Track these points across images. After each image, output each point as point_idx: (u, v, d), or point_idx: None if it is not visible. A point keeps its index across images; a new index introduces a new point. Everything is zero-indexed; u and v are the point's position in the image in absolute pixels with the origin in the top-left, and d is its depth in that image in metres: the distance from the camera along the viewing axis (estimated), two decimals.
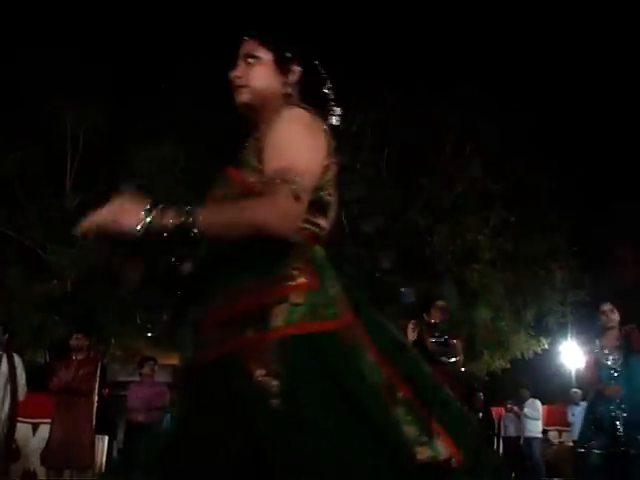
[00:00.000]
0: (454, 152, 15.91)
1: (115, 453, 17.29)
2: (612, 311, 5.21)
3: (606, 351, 5.09)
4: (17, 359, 7.07)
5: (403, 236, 15.55)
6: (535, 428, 11.67)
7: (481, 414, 12.52)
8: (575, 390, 12.71)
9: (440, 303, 5.66)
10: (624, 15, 18.48)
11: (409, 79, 15.32)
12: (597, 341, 5.26)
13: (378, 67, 15.59)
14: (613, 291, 16.69)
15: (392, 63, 15.86)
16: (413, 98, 15.02)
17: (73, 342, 7.11)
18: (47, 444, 7.08)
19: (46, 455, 6.99)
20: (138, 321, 14.17)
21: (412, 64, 15.83)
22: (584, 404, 11.86)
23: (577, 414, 11.90)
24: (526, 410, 11.64)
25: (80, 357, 7.04)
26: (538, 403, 11.85)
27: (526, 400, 11.76)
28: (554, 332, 16.93)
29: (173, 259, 1.71)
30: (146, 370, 8.29)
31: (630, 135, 18.40)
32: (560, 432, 13.36)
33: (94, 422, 12.97)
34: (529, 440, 11.62)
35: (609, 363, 5.01)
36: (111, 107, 14.10)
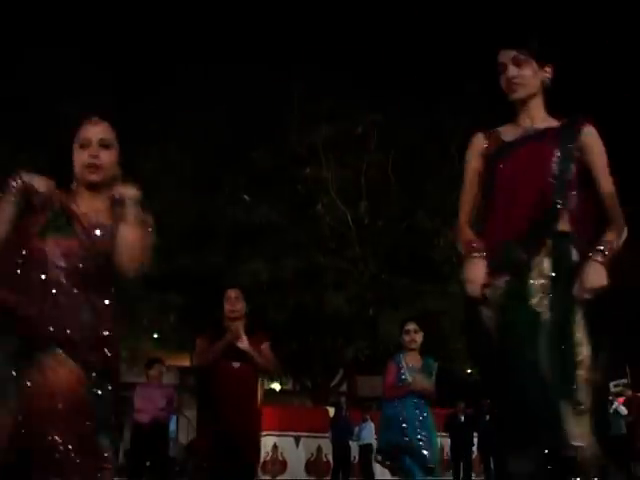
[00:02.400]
0: (460, 154, 15.88)
1: (121, 454, 17.33)
2: (416, 332, 5.12)
3: (409, 369, 5.04)
4: None
5: (409, 239, 15.53)
6: None
7: (488, 417, 12.51)
8: None
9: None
10: (629, 16, 18.42)
11: (415, 81, 15.32)
12: (401, 355, 5.15)
13: (384, 70, 15.61)
14: (622, 291, 16.67)
15: (398, 66, 15.87)
16: (419, 100, 15.01)
17: None
18: None
19: None
20: (145, 322, 14.19)
21: (417, 67, 15.82)
22: None
23: None
24: None
25: None
26: None
27: None
28: None
29: None
30: (153, 372, 8.28)
31: (634, 137, 18.34)
32: None
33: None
34: None
35: (409, 381, 4.99)
36: (115, 110, 14.14)
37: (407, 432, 4.87)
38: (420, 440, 4.85)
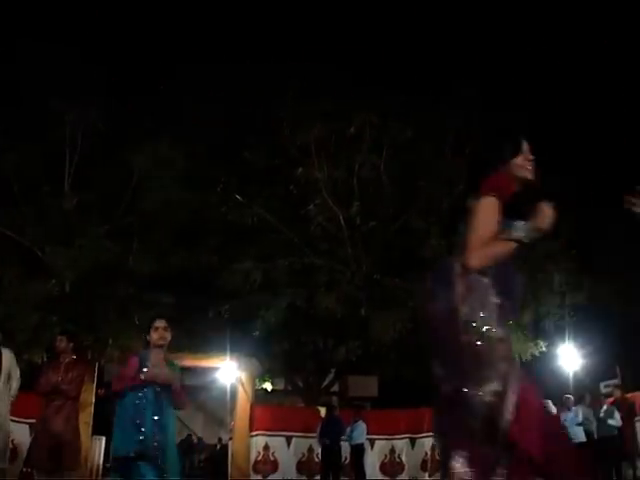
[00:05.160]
0: (453, 154, 15.90)
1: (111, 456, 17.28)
2: (166, 329, 5.05)
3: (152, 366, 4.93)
4: (9, 354, 7.03)
5: (401, 239, 15.54)
6: None
7: None
8: (567, 396, 12.63)
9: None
10: (626, 14, 18.50)
11: (408, 81, 15.34)
12: (147, 352, 5.06)
13: (377, 69, 15.62)
14: (613, 293, 16.69)
15: (391, 65, 15.89)
16: (412, 100, 15.02)
17: (57, 344, 7.08)
18: (32, 446, 7.02)
19: (31, 457, 6.96)
20: (136, 321, 14.14)
21: (411, 66, 15.86)
22: (575, 409, 11.88)
23: (569, 420, 11.86)
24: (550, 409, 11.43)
25: (67, 359, 6.99)
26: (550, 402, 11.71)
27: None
28: (552, 335, 16.92)
29: None
30: None
31: (629, 136, 18.42)
32: None
33: (91, 424, 12.98)
34: None
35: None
36: (109, 107, 14.09)
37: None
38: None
